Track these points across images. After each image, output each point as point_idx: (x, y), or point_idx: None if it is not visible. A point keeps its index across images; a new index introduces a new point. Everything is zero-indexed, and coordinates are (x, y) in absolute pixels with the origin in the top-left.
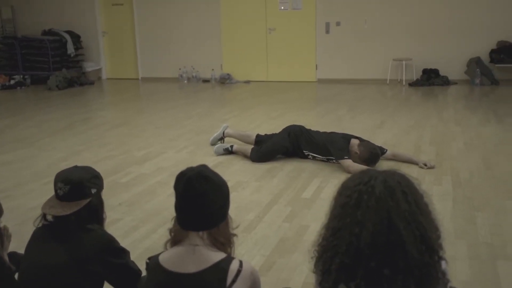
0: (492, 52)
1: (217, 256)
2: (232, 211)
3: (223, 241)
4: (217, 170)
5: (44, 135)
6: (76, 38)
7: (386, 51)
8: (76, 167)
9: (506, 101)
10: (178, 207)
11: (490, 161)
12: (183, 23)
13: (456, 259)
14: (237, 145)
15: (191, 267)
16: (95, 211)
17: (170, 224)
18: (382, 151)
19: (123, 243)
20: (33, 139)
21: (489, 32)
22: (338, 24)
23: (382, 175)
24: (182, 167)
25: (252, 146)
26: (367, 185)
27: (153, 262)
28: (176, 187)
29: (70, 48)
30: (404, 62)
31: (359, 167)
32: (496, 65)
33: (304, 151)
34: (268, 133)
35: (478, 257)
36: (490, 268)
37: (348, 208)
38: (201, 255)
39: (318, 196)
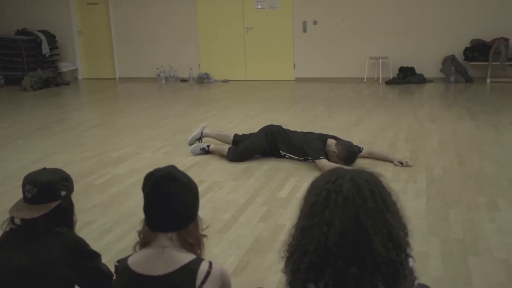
0: (466, 50)
1: (186, 257)
2: (208, 211)
3: (193, 242)
4: (194, 170)
5: (17, 137)
6: (51, 37)
7: (363, 50)
8: (44, 169)
9: (480, 98)
10: (146, 208)
11: (463, 157)
12: (160, 22)
13: (429, 255)
14: (214, 145)
15: (160, 269)
16: (65, 214)
17: (140, 226)
18: (358, 149)
19: (97, 245)
20: (5, 141)
21: (463, 31)
22: (315, 23)
23: (350, 173)
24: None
25: (229, 146)
26: (335, 183)
27: (121, 265)
28: (144, 188)
29: (45, 48)
30: (380, 60)
31: (334, 166)
32: (470, 63)
33: (280, 151)
34: (246, 132)
35: (450, 253)
36: (462, 264)
37: (316, 207)
38: (170, 257)
39: (294, 195)
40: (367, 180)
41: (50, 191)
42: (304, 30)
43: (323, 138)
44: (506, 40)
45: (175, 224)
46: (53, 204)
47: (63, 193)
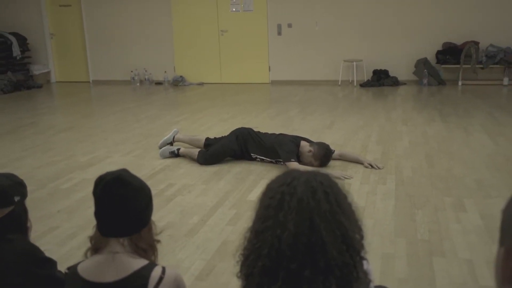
0: (438, 53)
1: (138, 263)
2: (176, 215)
3: (145, 248)
4: (164, 174)
5: None
6: (22, 40)
7: (337, 53)
8: None
9: (451, 101)
10: (97, 212)
11: (433, 159)
12: (134, 24)
13: (395, 257)
14: (184, 148)
15: (110, 276)
16: (18, 220)
17: (92, 231)
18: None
19: (60, 251)
20: None
21: (435, 34)
22: (289, 26)
23: (304, 175)
24: None
25: (200, 149)
26: (290, 186)
27: (71, 272)
28: (94, 191)
29: (16, 51)
30: (355, 63)
31: (305, 169)
32: (442, 65)
33: (251, 154)
34: (218, 136)
35: (415, 254)
36: (427, 264)
37: (271, 210)
38: (121, 263)
39: None
40: (322, 182)
41: (3, 197)
42: (279, 33)
43: (297, 141)
44: (477, 43)
45: (126, 229)
46: (6, 210)
47: (16, 198)
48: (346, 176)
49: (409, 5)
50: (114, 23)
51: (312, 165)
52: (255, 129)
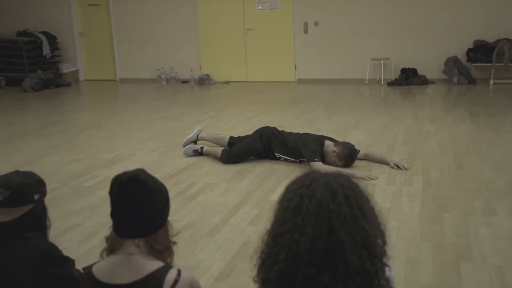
0: (469, 51)
1: (153, 265)
2: (197, 214)
3: (161, 249)
4: (187, 172)
5: (12, 138)
6: (52, 39)
7: (364, 51)
8: (17, 171)
9: (482, 100)
10: (112, 213)
11: (461, 160)
12: (160, 23)
13: (420, 261)
14: (207, 147)
15: (125, 278)
16: (37, 219)
17: (109, 232)
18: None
19: (81, 249)
20: None
21: (466, 31)
22: (316, 24)
23: (324, 177)
24: (151, 170)
25: (223, 148)
26: (309, 188)
27: (86, 272)
28: (110, 192)
29: (46, 49)
30: (382, 61)
31: (328, 169)
32: (473, 64)
33: (275, 154)
34: (242, 135)
35: (442, 259)
36: (453, 270)
37: (289, 213)
38: (136, 265)
39: None
40: (342, 184)
41: (22, 195)
42: (305, 31)
43: (321, 140)
44: (510, 41)
45: (142, 230)
46: (26, 208)
47: (36, 196)
48: (371, 177)
49: (440, 1)
50: (141, 22)
51: (336, 165)
52: (279, 128)
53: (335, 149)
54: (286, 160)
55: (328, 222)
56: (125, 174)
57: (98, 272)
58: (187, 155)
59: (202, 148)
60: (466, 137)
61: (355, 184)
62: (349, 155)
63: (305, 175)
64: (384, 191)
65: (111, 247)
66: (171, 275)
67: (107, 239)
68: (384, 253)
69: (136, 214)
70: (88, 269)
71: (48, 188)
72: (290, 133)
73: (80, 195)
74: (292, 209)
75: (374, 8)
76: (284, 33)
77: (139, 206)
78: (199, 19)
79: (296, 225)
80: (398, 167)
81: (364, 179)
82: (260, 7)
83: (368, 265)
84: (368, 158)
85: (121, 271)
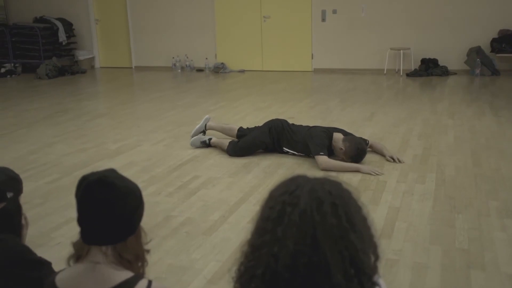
0: (493, 41)
1: (121, 276)
2: (197, 210)
3: (131, 259)
4: (191, 165)
5: (21, 126)
6: (68, 25)
7: (383, 40)
8: None
9: (505, 92)
10: (78, 217)
11: (479, 157)
12: (176, 11)
13: (428, 267)
14: (216, 138)
15: None
16: (10, 218)
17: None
18: (365, 142)
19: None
20: (8, 129)
21: (490, 21)
22: (334, 12)
23: (311, 183)
24: (156, 161)
25: (231, 140)
26: (292, 195)
27: (49, 282)
28: (76, 194)
29: (62, 36)
30: (402, 51)
31: (334, 164)
32: (497, 54)
33: (283, 148)
34: (251, 126)
35: (451, 265)
36: (463, 278)
37: (269, 223)
38: (101, 275)
39: None
40: (330, 192)
41: None
42: (323, 19)
43: (330, 132)
44: None
45: (110, 237)
46: None
47: (9, 194)
48: (376, 172)
49: None
50: (157, 9)
51: (344, 161)
52: (290, 121)
53: (342, 146)
54: (294, 155)
55: (311, 235)
56: (92, 174)
57: (61, 282)
58: (195, 146)
59: (210, 139)
60: (485, 132)
61: (346, 191)
62: (356, 154)
63: (290, 180)
64: (394, 189)
65: (77, 254)
66: (140, 287)
67: (74, 245)
68: (375, 271)
69: (103, 219)
70: (52, 278)
71: (48, 179)
72: (300, 126)
73: None
74: (273, 218)
75: None
76: (301, 21)
77: (106, 210)
78: (215, 7)
79: (276, 237)
80: (393, 160)
81: (369, 174)
82: None
83: (355, 285)
84: (372, 149)
85: (85, 282)
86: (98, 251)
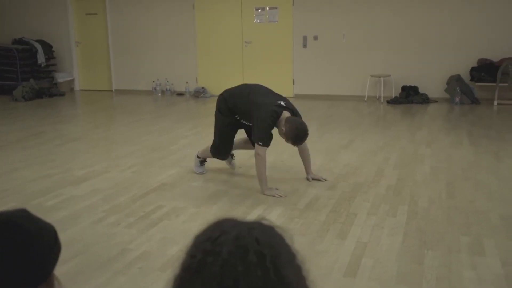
0: (473, 70)
1: None
2: (155, 243)
3: None
4: (158, 193)
5: None
6: (47, 47)
7: (364, 67)
8: None
9: (484, 122)
10: None
11: (454, 188)
12: (157, 34)
13: None
14: (201, 151)
15: None
16: None
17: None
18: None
19: None
20: None
21: (470, 50)
22: (315, 38)
23: (237, 229)
24: (120, 189)
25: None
26: (215, 243)
27: None
28: None
29: (41, 58)
30: (382, 78)
31: (260, 166)
32: (477, 83)
33: (235, 117)
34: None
35: None
36: None
37: (187, 274)
38: None
39: None
40: (258, 240)
41: None
42: (304, 45)
43: (279, 110)
44: None
45: (16, 285)
46: None
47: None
48: (279, 194)
49: (442, 18)
50: (139, 32)
51: (287, 142)
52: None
53: (283, 127)
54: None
55: None
56: (1, 215)
57: None
58: (199, 172)
59: (198, 156)
60: (462, 162)
61: (278, 238)
62: (296, 135)
63: (216, 224)
64: (364, 222)
65: None
66: None
67: None
68: None
69: (7, 265)
70: None
71: (3, 208)
72: (242, 88)
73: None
74: (193, 269)
75: (376, 23)
76: (282, 47)
77: (13, 255)
78: (197, 31)
79: None
80: (309, 180)
81: (273, 196)
82: (258, 20)
83: None
84: (300, 154)
85: None
86: None
